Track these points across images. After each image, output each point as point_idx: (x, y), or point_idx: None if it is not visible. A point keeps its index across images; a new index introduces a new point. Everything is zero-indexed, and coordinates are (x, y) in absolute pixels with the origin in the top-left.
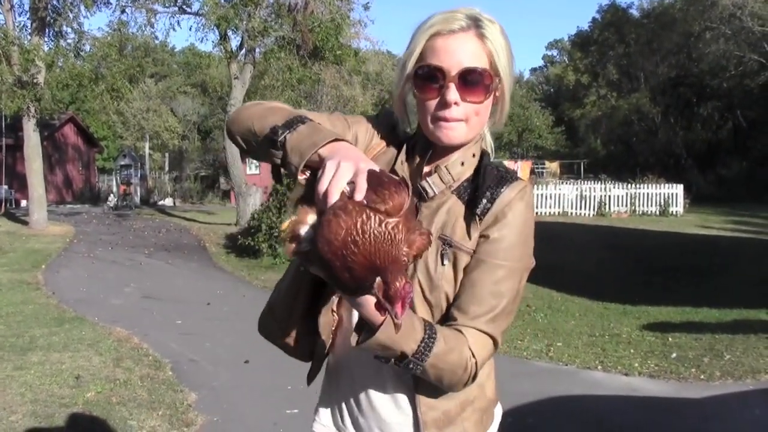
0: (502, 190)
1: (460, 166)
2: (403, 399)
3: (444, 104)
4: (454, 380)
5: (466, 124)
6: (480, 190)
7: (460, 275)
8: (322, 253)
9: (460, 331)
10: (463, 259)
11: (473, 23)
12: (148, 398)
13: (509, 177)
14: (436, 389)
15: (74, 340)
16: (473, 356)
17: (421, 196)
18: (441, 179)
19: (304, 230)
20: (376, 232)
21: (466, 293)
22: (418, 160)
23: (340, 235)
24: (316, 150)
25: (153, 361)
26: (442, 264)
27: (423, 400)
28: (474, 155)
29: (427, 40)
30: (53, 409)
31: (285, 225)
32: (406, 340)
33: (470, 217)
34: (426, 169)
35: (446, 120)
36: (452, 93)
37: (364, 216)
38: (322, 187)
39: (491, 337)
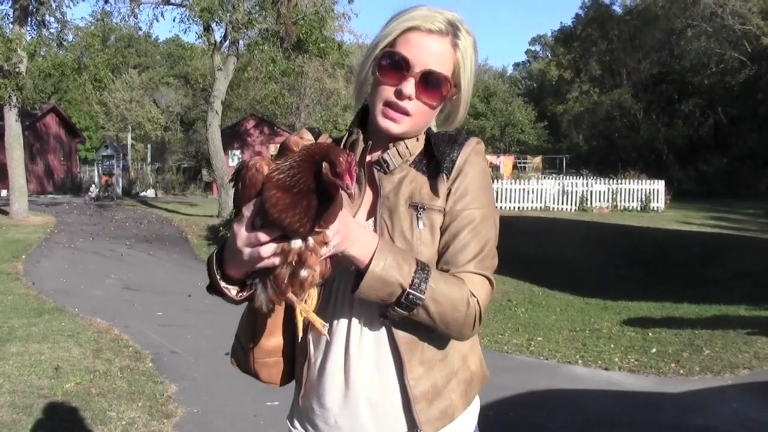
0: (459, 148)
1: (415, 141)
2: (391, 374)
3: (399, 94)
4: (459, 319)
5: (410, 119)
6: (439, 152)
7: (437, 235)
8: (276, 208)
9: (458, 277)
10: (437, 219)
11: (452, 30)
12: (127, 389)
13: (459, 137)
14: (423, 362)
15: (54, 330)
16: (473, 295)
17: (381, 168)
18: (398, 153)
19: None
20: (293, 159)
21: (450, 246)
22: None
23: (275, 181)
24: None
25: (133, 353)
26: (419, 227)
27: (411, 374)
28: (424, 132)
29: (404, 30)
30: (32, 400)
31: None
32: (399, 269)
33: (435, 177)
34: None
35: (395, 109)
36: (409, 86)
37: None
38: None
39: (485, 277)
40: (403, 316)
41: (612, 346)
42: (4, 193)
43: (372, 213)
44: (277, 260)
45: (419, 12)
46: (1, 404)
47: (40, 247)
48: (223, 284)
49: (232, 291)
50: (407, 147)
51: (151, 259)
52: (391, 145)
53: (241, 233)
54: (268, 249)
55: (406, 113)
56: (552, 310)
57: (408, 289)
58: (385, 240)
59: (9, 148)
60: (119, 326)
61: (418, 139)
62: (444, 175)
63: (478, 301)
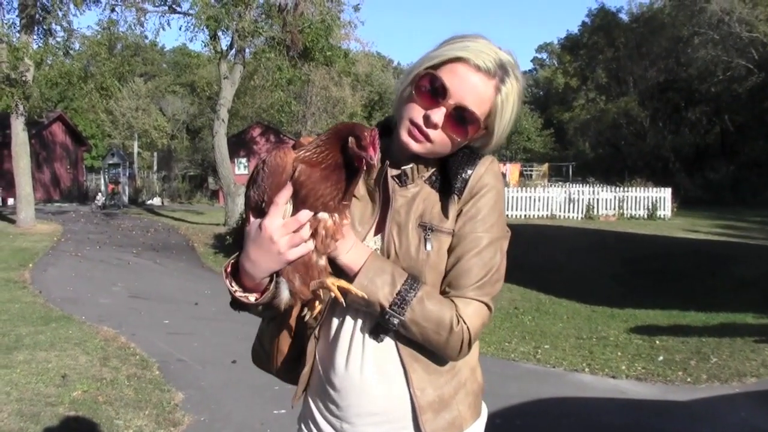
0: (472, 167)
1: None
2: (396, 384)
3: (426, 119)
4: (441, 342)
5: (431, 146)
6: (452, 171)
7: (444, 257)
8: (310, 182)
9: (450, 300)
10: (445, 241)
11: (500, 73)
12: (134, 398)
13: (474, 155)
14: (429, 372)
15: (61, 339)
16: (461, 320)
17: (400, 181)
18: (417, 168)
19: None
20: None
21: (453, 269)
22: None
23: (303, 159)
24: None
25: (140, 361)
26: (426, 249)
27: (417, 384)
28: None
29: (453, 57)
30: (39, 408)
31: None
32: (380, 289)
33: (447, 197)
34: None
35: (419, 130)
36: (438, 115)
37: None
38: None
39: (482, 303)
40: (386, 332)
41: (619, 353)
42: (11, 201)
43: (381, 227)
44: (312, 244)
45: (475, 45)
46: (8, 412)
47: (47, 255)
48: (239, 294)
49: (251, 297)
50: (426, 161)
51: (157, 267)
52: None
53: (275, 224)
54: (306, 230)
55: (428, 139)
56: (559, 318)
57: (387, 309)
58: (376, 257)
59: (16, 157)
60: (126, 334)
61: None
62: (455, 195)
63: (468, 327)
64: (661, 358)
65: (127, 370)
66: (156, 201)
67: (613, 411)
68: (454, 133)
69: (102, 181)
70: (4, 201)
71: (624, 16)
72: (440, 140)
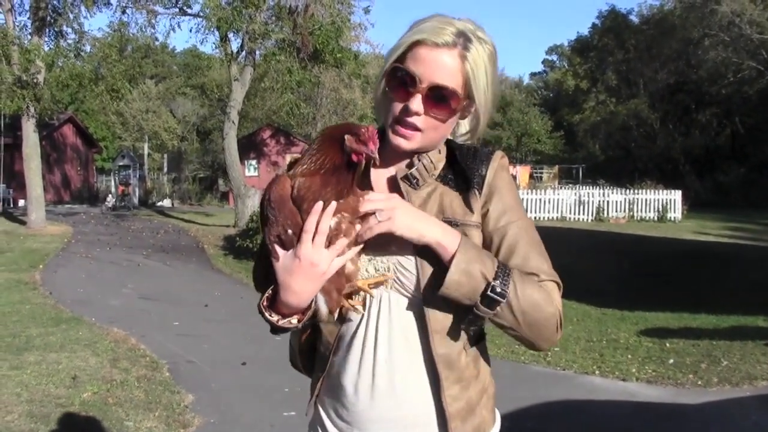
0: (487, 163)
1: (437, 153)
2: (423, 392)
3: (406, 110)
4: (542, 321)
5: (421, 135)
6: (468, 168)
7: None
8: (310, 192)
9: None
10: (474, 234)
11: (461, 40)
12: (144, 399)
13: (483, 150)
14: (460, 380)
15: (71, 340)
16: (554, 300)
17: (411, 184)
18: (425, 167)
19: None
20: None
21: (513, 260)
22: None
23: (300, 174)
24: None
25: (150, 362)
26: None
27: (448, 392)
28: (444, 144)
29: (411, 44)
30: (49, 409)
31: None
32: (482, 263)
33: (467, 193)
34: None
35: (405, 126)
36: (416, 103)
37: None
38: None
39: (554, 282)
40: (489, 315)
41: (629, 356)
42: (21, 202)
43: None
44: (348, 250)
45: (428, 24)
46: (19, 413)
47: (57, 256)
48: (282, 322)
49: (293, 321)
50: (431, 160)
51: (167, 269)
52: (416, 159)
53: (309, 249)
54: (340, 239)
55: (416, 128)
56: (569, 321)
57: (492, 282)
58: (462, 238)
59: (27, 158)
60: (136, 336)
61: (440, 151)
62: (475, 190)
63: (559, 309)
64: (671, 360)
65: (137, 372)
66: (166, 203)
67: (624, 414)
68: (438, 113)
69: (112, 182)
70: (15, 202)
71: (634, 18)
72: (428, 126)
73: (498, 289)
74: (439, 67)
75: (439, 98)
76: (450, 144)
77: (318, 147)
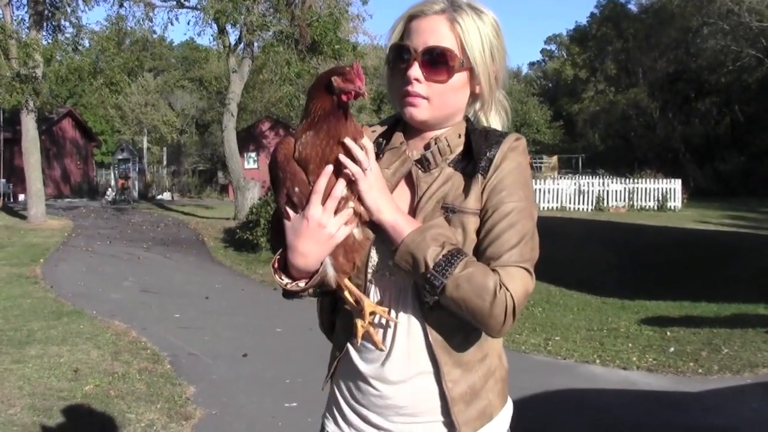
0: (497, 146)
1: (457, 138)
2: (426, 377)
3: (407, 80)
4: (484, 309)
5: (429, 103)
6: (475, 151)
7: (471, 238)
8: (305, 148)
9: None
10: (470, 222)
11: (449, 7)
12: (146, 391)
13: (499, 133)
14: (460, 364)
15: (72, 333)
16: (504, 286)
17: (422, 167)
18: (440, 150)
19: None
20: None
21: (487, 241)
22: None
23: (300, 131)
24: None
25: (151, 355)
26: None
27: (449, 377)
28: (465, 128)
29: (405, 22)
30: (51, 402)
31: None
32: (427, 248)
33: (470, 177)
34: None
35: (409, 95)
36: (414, 69)
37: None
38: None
39: (521, 268)
40: (434, 299)
41: (630, 345)
42: (21, 197)
43: (410, 213)
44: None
45: (420, 1)
46: (21, 406)
47: (57, 250)
48: (290, 285)
49: (300, 284)
50: (449, 144)
51: (168, 261)
52: (432, 142)
53: (318, 211)
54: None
55: (421, 96)
56: (569, 310)
57: (430, 269)
58: (431, 224)
59: (26, 153)
60: (137, 329)
61: (460, 136)
62: (480, 174)
63: (511, 294)
64: (672, 349)
65: (138, 364)
66: (166, 196)
67: (624, 402)
68: (438, 76)
69: (112, 176)
70: (15, 197)
71: (633, 7)
72: (433, 92)
73: (430, 277)
74: (428, 32)
75: (435, 60)
76: (469, 128)
77: (308, 98)
